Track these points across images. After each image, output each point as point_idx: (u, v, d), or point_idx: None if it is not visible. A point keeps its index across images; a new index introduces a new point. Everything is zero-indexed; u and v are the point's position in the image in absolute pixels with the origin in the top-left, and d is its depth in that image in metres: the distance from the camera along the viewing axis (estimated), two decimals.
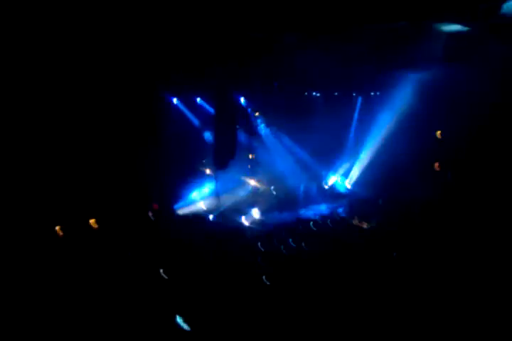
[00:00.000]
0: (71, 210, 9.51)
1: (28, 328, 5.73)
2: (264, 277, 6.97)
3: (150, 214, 10.56)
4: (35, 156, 9.25)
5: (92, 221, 9.64)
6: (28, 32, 8.12)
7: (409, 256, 7.52)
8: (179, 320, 5.97)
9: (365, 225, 9.84)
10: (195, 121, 13.37)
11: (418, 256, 7.45)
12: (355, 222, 10.09)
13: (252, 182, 13.38)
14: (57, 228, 9.14)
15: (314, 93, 14.06)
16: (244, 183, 13.24)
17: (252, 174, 13.48)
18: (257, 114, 13.90)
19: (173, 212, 11.54)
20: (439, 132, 12.36)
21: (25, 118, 9.15)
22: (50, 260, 7.66)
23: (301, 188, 13.14)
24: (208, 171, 13.04)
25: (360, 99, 14.12)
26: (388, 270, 7.09)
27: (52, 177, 9.44)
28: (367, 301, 6.15)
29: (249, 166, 13.49)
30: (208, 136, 13.42)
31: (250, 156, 13.63)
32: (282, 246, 8.50)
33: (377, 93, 13.62)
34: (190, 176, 12.51)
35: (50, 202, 9.25)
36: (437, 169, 12.24)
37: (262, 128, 13.84)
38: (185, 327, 5.86)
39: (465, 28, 9.84)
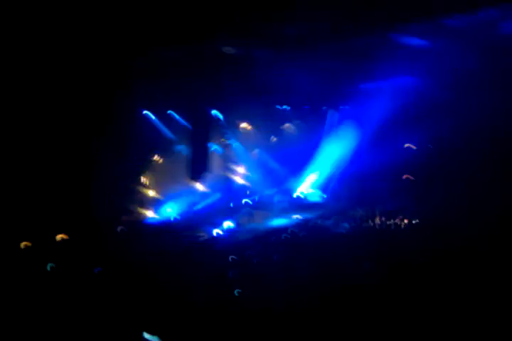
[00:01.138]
0: (34, 224, 9.23)
1: None
2: (235, 291, 6.80)
3: (119, 228, 10.33)
4: None
5: (57, 236, 9.36)
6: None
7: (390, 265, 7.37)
8: (147, 336, 5.75)
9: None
10: (169, 135, 13.33)
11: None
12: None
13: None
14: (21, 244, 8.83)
15: (285, 106, 14.23)
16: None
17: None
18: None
19: (143, 225, 11.33)
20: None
21: None
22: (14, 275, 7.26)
23: (274, 199, 13.11)
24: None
25: (330, 113, 14.32)
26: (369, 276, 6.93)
27: (14, 188, 9.22)
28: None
29: None
30: (181, 149, 13.42)
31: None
32: (254, 259, 8.36)
33: (347, 106, 13.87)
34: (163, 188, 12.36)
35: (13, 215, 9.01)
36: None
37: (234, 140, 13.89)
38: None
39: (429, 43, 10.18)
